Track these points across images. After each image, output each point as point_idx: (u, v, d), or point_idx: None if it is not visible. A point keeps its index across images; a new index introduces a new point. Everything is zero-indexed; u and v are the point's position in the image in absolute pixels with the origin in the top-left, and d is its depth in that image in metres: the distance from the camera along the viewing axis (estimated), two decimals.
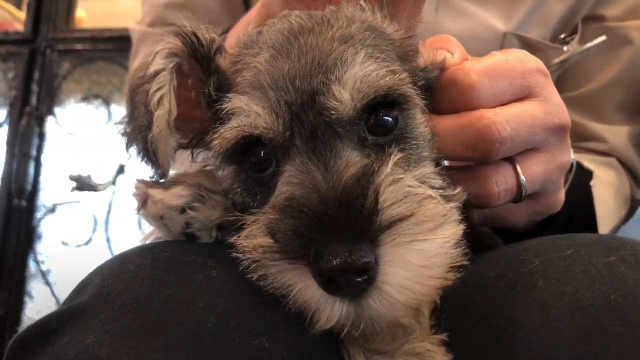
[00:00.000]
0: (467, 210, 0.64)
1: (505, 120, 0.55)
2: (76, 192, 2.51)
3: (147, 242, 0.59)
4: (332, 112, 0.52)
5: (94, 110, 2.59)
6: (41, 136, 2.56)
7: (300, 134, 0.52)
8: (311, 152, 0.51)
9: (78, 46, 2.63)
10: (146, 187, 0.55)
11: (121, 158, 2.51)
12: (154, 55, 0.58)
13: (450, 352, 0.54)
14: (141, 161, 0.58)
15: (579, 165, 0.96)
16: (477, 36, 0.98)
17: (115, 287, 0.49)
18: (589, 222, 0.93)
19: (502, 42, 0.98)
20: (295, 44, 0.56)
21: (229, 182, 0.59)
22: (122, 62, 2.56)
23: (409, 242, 0.46)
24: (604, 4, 1.03)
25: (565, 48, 0.98)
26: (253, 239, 0.50)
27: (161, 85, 0.57)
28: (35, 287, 2.45)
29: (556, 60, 0.97)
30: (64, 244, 2.48)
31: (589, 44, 0.96)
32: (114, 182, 2.51)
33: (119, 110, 2.57)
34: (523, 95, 0.59)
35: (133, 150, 0.59)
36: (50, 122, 2.57)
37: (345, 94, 0.52)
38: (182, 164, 0.72)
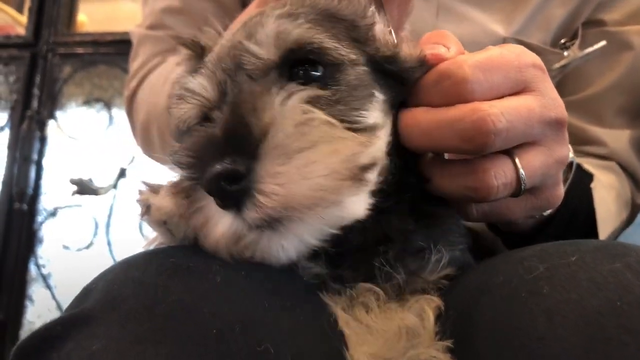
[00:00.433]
0: (465, 207, 0.64)
1: (501, 112, 0.55)
2: (77, 195, 2.51)
3: (151, 247, 0.59)
4: (249, 66, 0.57)
5: (95, 114, 2.60)
6: (42, 140, 2.56)
7: (231, 91, 0.57)
8: None
9: (79, 50, 2.64)
10: (149, 193, 0.55)
11: (122, 162, 2.52)
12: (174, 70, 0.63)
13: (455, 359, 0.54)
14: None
15: (580, 168, 0.96)
16: (477, 41, 0.98)
17: (120, 293, 0.49)
18: (589, 224, 0.92)
19: None
20: (245, 25, 0.62)
21: None
22: (123, 66, 2.56)
23: (285, 154, 0.48)
24: (604, 8, 1.04)
25: (565, 53, 0.98)
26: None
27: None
28: (36, 290, 2.46)
29: (557, 65, 0.97)
30: (65, 247, 2.48)
31: (590, 49, 0.96)
32: (115, 186, 2.51)
33: (120, 114, 2.57)
34: (519, 89, 0.59)
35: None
36: (51, 126, 2.58)
37: (257, 48, 0.57)
38: None
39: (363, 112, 0.57)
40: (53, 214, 2.52)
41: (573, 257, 0.51)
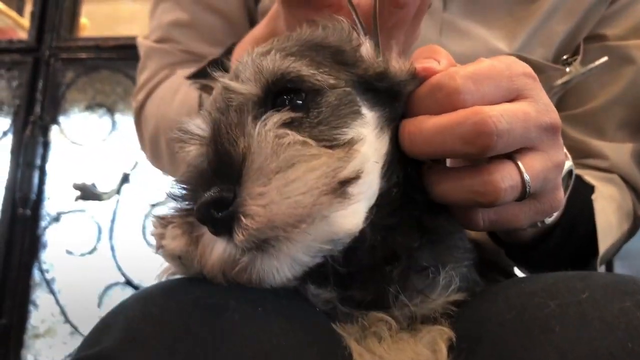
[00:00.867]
0: (472, 215, 0.64)
1: (500, 114, 0.56)
2: (80, 201, 2.52)
3: (164, 277, 0.60)
4: (235, 102, 0.60)
5: (98, 120, 2.61)
6: (45, 145, 2.57)
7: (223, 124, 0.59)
8: None
9: (82, 55, 2.64)
10: (163, 226, 0.56)
11: (125, 167, 2.53)
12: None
13: None
14: None
15: (581, 180, 0.97)
16: (480, 57, 0.99)
17: (140, 332, 0.49)
18: (589, 236, 0.93)
19: None
20: (235, 66, 0.66)
21: None
22: (126, 71, 2.57)
23: (264, 175, 0.50)
24: (606, 23, 1.05)
25: (567, 69, 0.99)
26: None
27: None
28: (39, 295, 2.46)
29: (559, 82, 0.98)
30: (69, 252, 2.49)
31: (591, 65, 0.97)
32: (118, 191, 2.52)
33: (123, 119, 2.58)
34: (511, 98, 0.60)
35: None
36: (54, 131, 2.59)
37: (240, 86, 0.60)
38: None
39: (344, 130, 0.58)
40: (56, 219, 2.53)
41: (583, 294, 0.52)
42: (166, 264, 0.59)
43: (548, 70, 0.99)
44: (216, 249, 0.53)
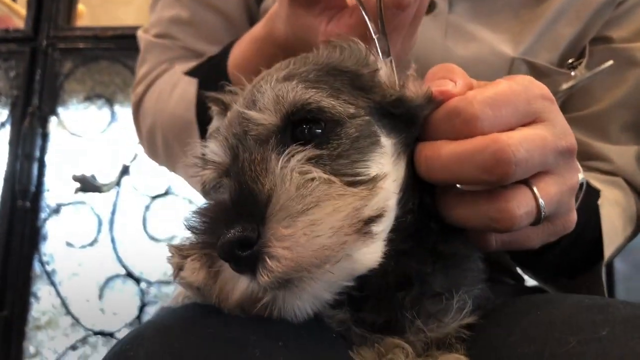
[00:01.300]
0: (485, 238, 0.65)
1: (519, 142, 0.56)
2: (80, 192, 2.52)
3: (180, 300, 0.60)
4: (253, 132, 0.59)
5: (97, 111, 2.59)
6: (44, 137, 2.55)
7: (242, 154, 0.59)
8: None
9: (80, 45, 2.61)
10: (181, 257, 0.56)
11: (125, 158, 2.52)
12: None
13: None
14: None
15: (587, 184, 0.96)
16: (485, 61, 0.98)
17: None
18: (594, 241, 0.93)
19: (510, 67, 0.98)
20: (251, 90, 0.65)
21: None
22: (125, 61, 2.55)
23: (289, 216, 0.50)
24: (611, 25, 1.04)
25: (572, 73, 0.98)
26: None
27: None
28: (40, 287, 2.47)
29: (564, 87, 0.97)
30: (69, 244, 2.49)
31: (597, 69, 0.96)
32: (118, 183, 2.51)
33: (123, 111, 2.56)
34: (528, 121, 0.60)
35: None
36: (53, 123, 2.57)
37: (258, 115, 0.60)
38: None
39: (366, 163, 0.58)
40: (56, 211, 2.53)
41: (604, 330, 0.52)
42: (180, 288, 0.58)
43: (553, 75, 0.98)
44: (238, 287, 0.52)
